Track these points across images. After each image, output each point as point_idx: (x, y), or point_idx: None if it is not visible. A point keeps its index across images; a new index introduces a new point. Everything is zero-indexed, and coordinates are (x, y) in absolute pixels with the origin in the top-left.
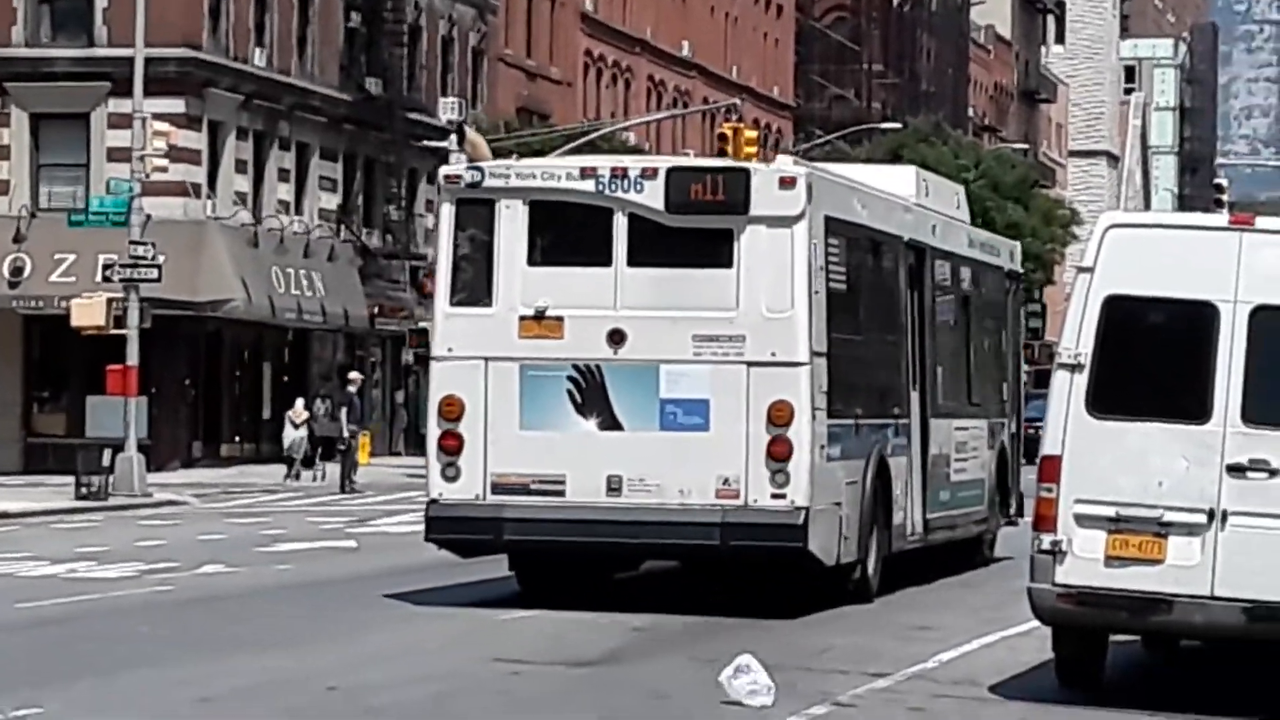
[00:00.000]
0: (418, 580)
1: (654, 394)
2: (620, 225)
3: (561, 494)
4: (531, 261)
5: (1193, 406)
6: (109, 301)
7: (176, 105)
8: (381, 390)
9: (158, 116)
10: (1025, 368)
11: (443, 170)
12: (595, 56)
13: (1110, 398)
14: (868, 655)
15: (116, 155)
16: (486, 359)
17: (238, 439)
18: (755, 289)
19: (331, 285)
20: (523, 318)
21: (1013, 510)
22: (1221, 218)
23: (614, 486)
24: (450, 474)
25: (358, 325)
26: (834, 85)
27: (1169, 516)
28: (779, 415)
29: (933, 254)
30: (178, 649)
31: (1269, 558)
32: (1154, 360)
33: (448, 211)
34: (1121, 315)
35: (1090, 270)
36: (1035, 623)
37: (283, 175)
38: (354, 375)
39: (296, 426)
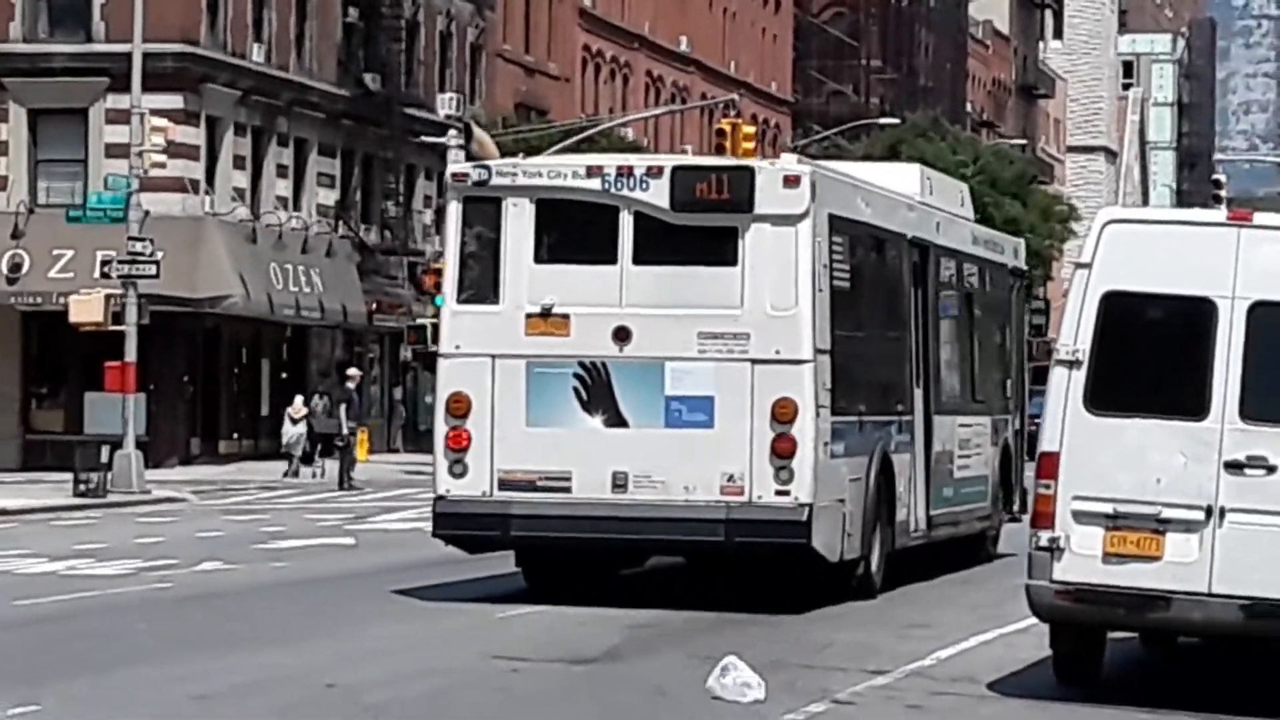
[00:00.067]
0: (416, 577)
1: (659, 391)
2: (626, 223)
3: (568, 490)
4: (538, 259)
5: (1191, 403)
6: (107, 298)
7: (175, 101)
8: (380, 386)
9: (156, 112)
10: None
11: (450, 169)
12: (593, 52)
13: (1108, 394)
14: (868, 652)
15: (115, 151)
16: (493, 356)
17: (236, 436)
18: (760, 287)
19: (330, 281)
20: (529, 315)
21: (1016, 507)
22: (1220, 213)
23: (620, 483)
24: (457, 470)
25: (356, 321)
26: (832, 81)
27: (1167, 513)
28: (783, 412)
29: (936, 251)
30: (176, 646)
31: (1267, 554)
32: (1152, 356)
33: (455, 210)
34: (1120, 311)
35: (1088, 266)
36: (1034, 619)
37: (281, 171)
38: (352, 371)
39: (295, 423)
